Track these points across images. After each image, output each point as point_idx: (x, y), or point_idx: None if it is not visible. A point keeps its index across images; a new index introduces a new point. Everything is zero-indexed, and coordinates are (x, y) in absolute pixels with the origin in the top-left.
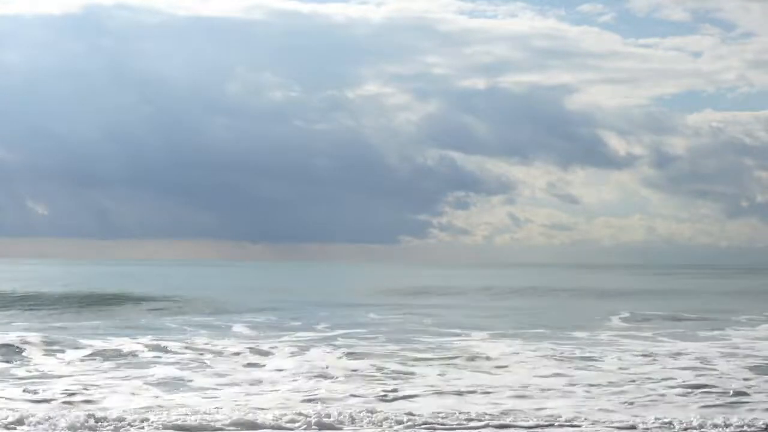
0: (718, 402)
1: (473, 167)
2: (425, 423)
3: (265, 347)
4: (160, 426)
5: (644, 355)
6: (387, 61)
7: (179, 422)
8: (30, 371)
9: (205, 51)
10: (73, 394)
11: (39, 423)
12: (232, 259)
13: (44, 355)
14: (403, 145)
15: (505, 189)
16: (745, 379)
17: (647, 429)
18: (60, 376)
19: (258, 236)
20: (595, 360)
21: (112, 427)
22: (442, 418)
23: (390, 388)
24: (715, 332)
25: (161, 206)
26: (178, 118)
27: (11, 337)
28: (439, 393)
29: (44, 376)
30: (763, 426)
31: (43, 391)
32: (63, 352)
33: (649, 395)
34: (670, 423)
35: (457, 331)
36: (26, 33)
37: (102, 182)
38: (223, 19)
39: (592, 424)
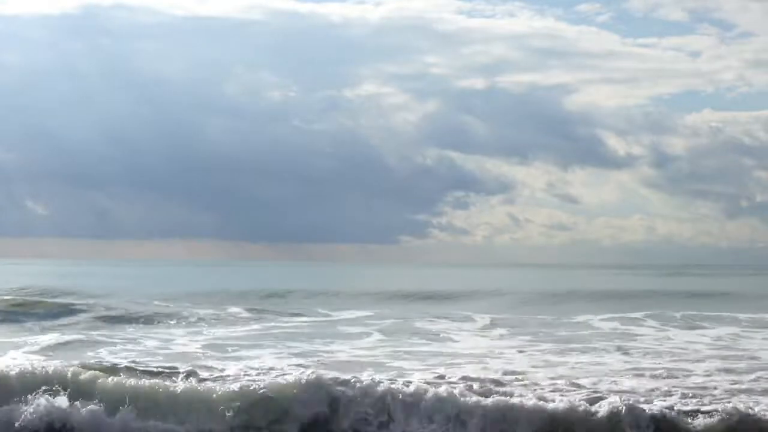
0: None
1: (472, 167)
2: None
3: None
4: None
5: None
6: (385, 60)
7: None
8: None
9: (204, 51)
10: None
11: None
12: (231, 259)
13: None
14: (402, 145)
15: (504, 189)
16: None
17: None
18: None
19: (257, 236)
20: None
21: None
22: None
23: None
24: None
25: (161, 206)
26: (177, 118)
27: None
28: None
29: None
30: None
31: None
32: None
33: None
34: None
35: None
36: (24, 33)
37: (101, 182)
38: (220, 19)
39: None
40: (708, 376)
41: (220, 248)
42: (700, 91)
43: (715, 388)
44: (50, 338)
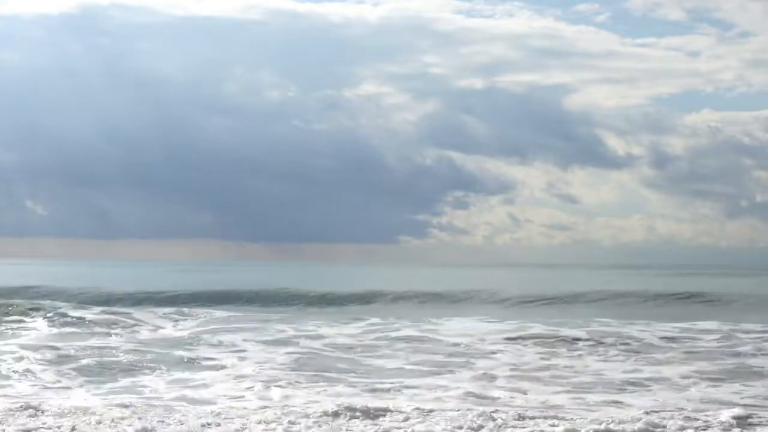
0: None
1: (472, 167)
2: None
3: None
4: None
5: None
6: (384, 60)
7: None
8: None
9: (202, 51)
10: None
11: None
12: (231, 259)
13: None
14: (401, 145)
15: (504, 189)
16: None
17: None
18: None
19: (256, 236)
20: None
21: None
22: None
23: None
24: None
25: (161, 206)
26: (176, 118)
27: None
28: None
29: None
30: None
31: None
32: None
33: None
34: None
35: None
36: (24, 33)
37: (101, 182)
38: (220, 19)
39: None
40: None
41: (220, 248)
42: (700, 91)
43: None
44: None
